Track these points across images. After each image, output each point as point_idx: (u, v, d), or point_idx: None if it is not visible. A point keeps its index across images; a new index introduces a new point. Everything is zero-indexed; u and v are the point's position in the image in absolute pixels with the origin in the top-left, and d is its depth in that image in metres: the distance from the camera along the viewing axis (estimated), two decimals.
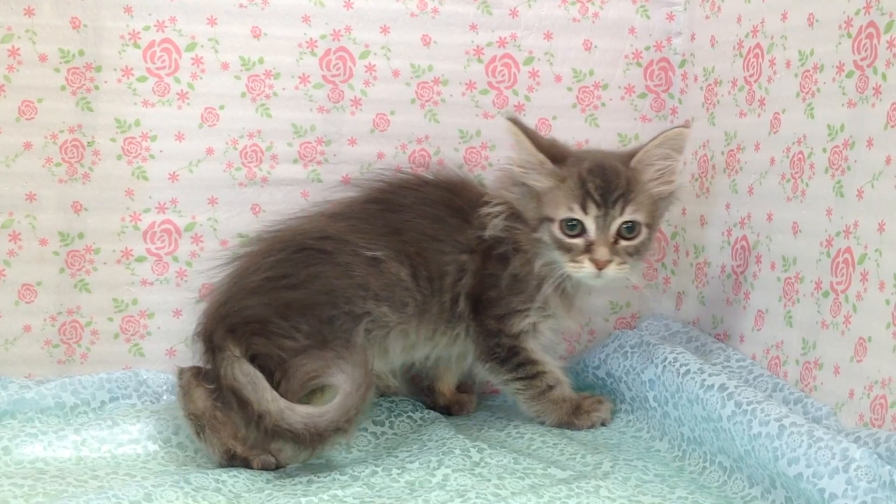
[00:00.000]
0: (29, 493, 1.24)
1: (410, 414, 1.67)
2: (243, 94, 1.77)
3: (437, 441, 1.51)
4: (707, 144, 1.78)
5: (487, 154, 1.85)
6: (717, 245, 1.73)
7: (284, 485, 1.38)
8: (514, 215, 1.56)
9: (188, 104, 1.76)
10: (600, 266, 1.49)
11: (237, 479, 1.37)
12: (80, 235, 1.74)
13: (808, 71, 1.49)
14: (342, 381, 1.40)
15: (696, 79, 1.83)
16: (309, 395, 1.45)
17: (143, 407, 1.63)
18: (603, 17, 1.85)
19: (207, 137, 1.77)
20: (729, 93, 1.71)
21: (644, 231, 1.52)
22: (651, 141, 1.55)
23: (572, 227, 1.50)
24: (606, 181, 1.50)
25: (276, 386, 1.43)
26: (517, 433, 1.60)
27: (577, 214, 1.49)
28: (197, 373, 1.49)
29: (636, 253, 1.53)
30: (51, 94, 1.71)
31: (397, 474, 1.40)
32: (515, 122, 1.54)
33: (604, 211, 1.49)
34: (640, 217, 1.51)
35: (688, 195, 1.83)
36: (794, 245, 1.51)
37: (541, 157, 1.52)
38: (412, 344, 1.59)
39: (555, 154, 1.54)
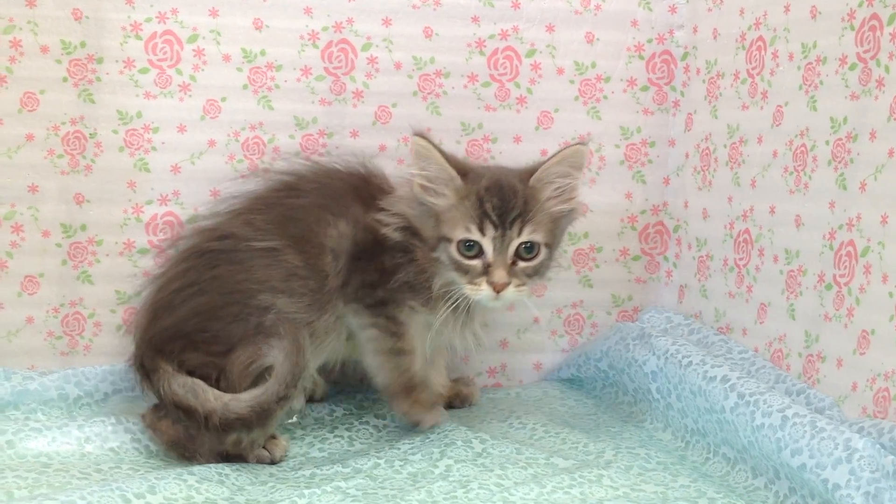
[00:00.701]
0: (33, 486, 1.24)
1: None
2: (245, 86, 1.77)
3: (438, 433, 1.51)
4: (709, 137, 1.78)
5: (489, 147, 1.85)
6: (719, 238, 1.73)
7: (287, 478, 1.38)
8: (411, 230, 1.50)
9: (190, 96, 1.76)
10: (498, 289, 1.43)
11: (240, 473, 1.37)
12: (83, 227, 1.74)
13: (811, 63, 1.49)
14: (277, 356, 1.40)
15: (698, 71, 1.82)
16: (254, 382, 1.43)
17: (145, 400, 1.62)
18: (605, 9, 1.85)
19: (209, 129, 1.77)
20: (731, 85, 1.71)
21: (543, 251, 1.47)
22: (550, 158, 1.49)
23: (469, 247, 1.45)
24: (503, 200, 1.44)
25: (220, 388, 1.42)
26: (519, 424, 1.60)
27: (475, 235, 1.44)
28: (156, 408, 1.47)
29: (535, 274, 1.48)
30: (53, 85, 1.71)
31: (400, 466, 1.40)
32: (425, 137, 1.47)
33: (501, 232, 1.44)
34: (538, 237, 1.46)
35: (689, 189, 1.84)
36: (797, 238, 1.51)
37: (452, 172, 1.46)
38: (324, 338, 1.52)
39: (461, 170, 1.48)
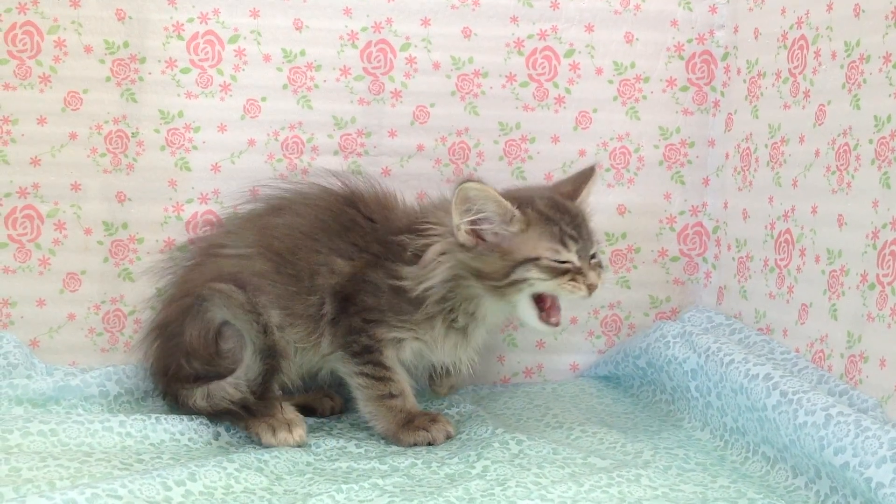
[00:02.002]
0: (75, 475, 1.25)
1: (447, 411, 1.68)
2: (285, 86, 1.79)
3: (476, 438, 1.51)
4: (750, 137, 1.76)
5: (527, 147, 1.85)
6: (759, 239, 1.72)
7: (325, 469, 1.38)
8: (467, 271, 1.52)
9: (231, 96, 1.77)
10: (592, 290, 1.51)
11: (279, 460, 1.38)
12: (124, 225, 1.76)
13: (854, 62, 1.47)
14: (217, 310, 1.51)
15: (739, 71, 1.81)
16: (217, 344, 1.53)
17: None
18: (645, 9, 1.85)
19: (249, 129, 1.78)
20: (773, 85, 1.69)
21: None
22: (585, 187, 1.59)
23: (559, 261, 1.50)
24: (573, 218, 1.53)
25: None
26: (556, 423, 1.60)
27: (563, 255, 1.50)
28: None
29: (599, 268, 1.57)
30: (96, 85, 1.73)
31: (437, 467, 1.40)
32: (477, 180, 1.50)
33: (583, 244, 1.52)
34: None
35: (729, 189, 1.82)
36: (840, 237, 1.49)
37: (508, 205, 1.49)
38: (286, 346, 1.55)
39: (512, 200, 1.51)
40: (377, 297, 1.55)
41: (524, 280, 1.50)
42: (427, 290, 1.53)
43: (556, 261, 1.50)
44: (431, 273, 1.53)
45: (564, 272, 1.49)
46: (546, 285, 1.50)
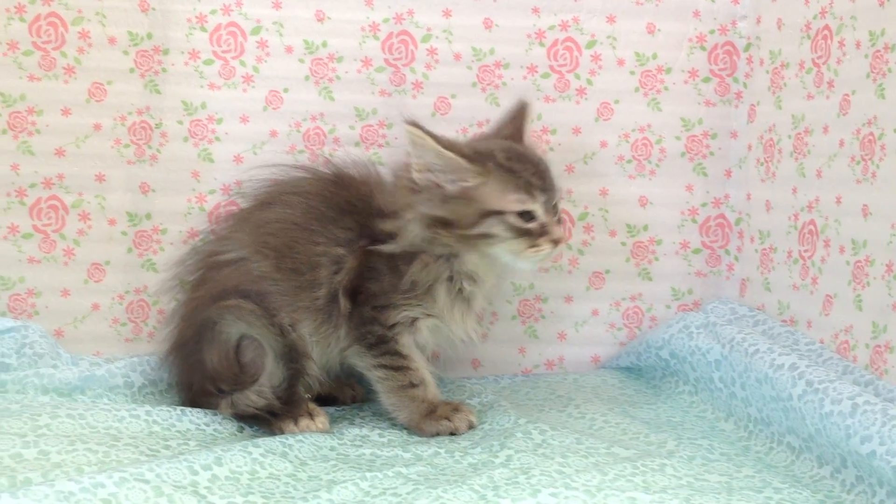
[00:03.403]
0: (103, 460, 1.26)
1: (468, 401, 1.67)
2: (307, 78, 1.79)
3: (498, 428, 1.51)
4: (773, 128, 1.75)
5: (549, 138, 1.85)
6: (783, 230, 1.71)
7: (348, 456, 1.39)
8: (435, 221, 1.51)
9: (253, 87, 1.78)
10: (559, 243, 1.50)
11: (303, 444, 1.39)
12: (148, 216, 1.77)
13: (879, 51, 1.46)
14: (233, 325, 1.49)
15: (761, 62, 1.80)
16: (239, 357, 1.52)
17: None
18: (667, 0, 1.84)
19: (271, 120, 1.79)
20: (796, 75, 1.69)
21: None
22: (524, 125, 1.60)
23: (524, 215, 1.49)
24: (535, 166, 1.51)
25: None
26: (578, 413, 1.59)
27: (528, 205, 1.49)
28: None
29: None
30: (120, 76, 1.74)
31: (460, 456, 1.40)
32: (417, 125, 1.49)
33: (549, 195, 1.51)
34: None
35: (752, 181, 1.81)
36: (865, 228, 1.48)
37: (452, 155, 1.48)
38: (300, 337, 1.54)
39: (465, 151, 1.50)
40: (380, 281, 1.54)
41: (492, 236, 1.49)
42: (407, 247, 1.52)
43: (522, 214, 1.48)
44: (406, 231, 1.52)
45: (528, 232, 1.48)
46: (510, 247, 1.49)
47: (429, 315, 1.56)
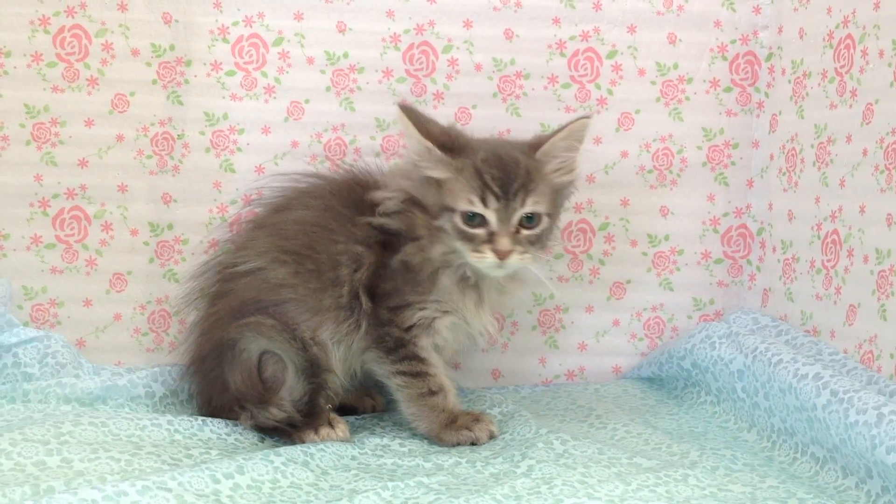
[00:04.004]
0: (125, 469, 1.27)
1: (489, 410, 1.67)
2: (328, 88, 1.80)
3: (519, 438, 1.51)
4: (795, 138, 1.75)
5: None
6: (805, 240, 1.70)
7: (370, 465, 1.39)
8: (411, 201, 1.52)
9: (274, 98, 1.79)
10: (501, 256, 1.46)
11: (324, 454, 1.39)
12: (170, 226, 1.78)
13: None
14: (253, 341, 1.49)
15: (783, 72, 1.80)
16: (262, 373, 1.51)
17: None
18: (688, 10, 1.84)
19: (293, 131, 1.80)
20: (819, 85, 1.68)
21: (545, 220, 1.51)
22: (557, 133, 1.52)
23: (472, 218, 1.47)
24: (505, 173, 1.47)
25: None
26: (600, 424, 1.59)
27: (478, 208, 1.46)
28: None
29: (537, 242, 1.50)
30: (142, 87, 1.75)
31: (481, 466, 1.39)
32: (404, 108, 1.51)
33: (504, 203, 1.46)
34: (540, 207, 1.49)
35: (774, 191, 1.81)
36: (889, 237, 1.47)
37: (428, 144, 1.48)
38: (319, 342, 1.53)
39: (446, 142, 1.50)
40: (393, 279, 1.53)
41: (445, 231, 1.49)
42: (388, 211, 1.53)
43: (470, 217, 1.47)
44: (388, 201, 1.53)
45: (473, 237, 1.46)
46: (459, 246, 1.48)
47: (445, 312, 1.55)
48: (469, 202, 1.47)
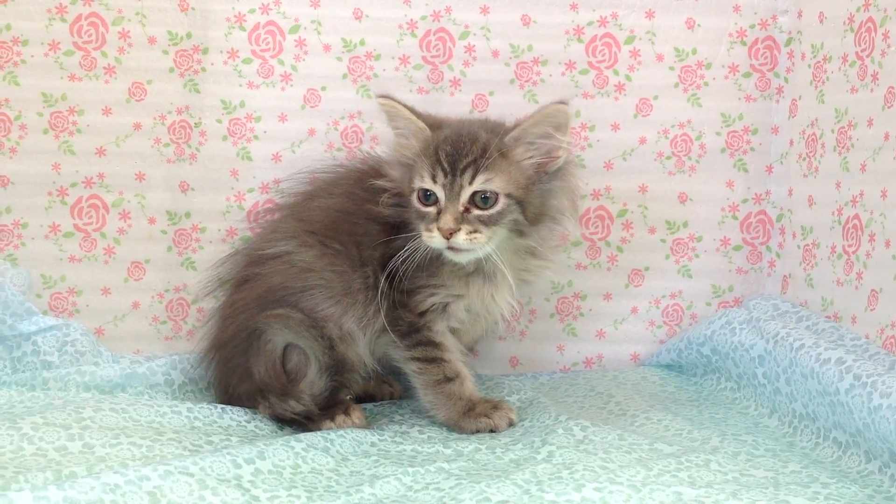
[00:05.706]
0: (146, 455, 1.27)
1: (507, 398, 1.66)
2: (345, 76, 1.79)
3: (539, 424, 1.50)
4: (815, 123, 1.73)
5: (587, 135, 1.84)
6: (826, 225, 1.69)
7: (389, 451, 1.39)
8: (401, 193, 1.53)
9: (291, 85, 1.79)
10: (445, 234, 1.42)
11: (344, 440, 1.39)
12: (187, 214, 1.78)
13: None
14: (279, 334, 1.49)
15: (803, 56, 1.78)
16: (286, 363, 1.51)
17: None
18: None
19: (310, 118, 1.79)
20: (839, 69, 1.66)
21: (503, 201, 1.44)
22: (528, 119, 1.47)
23: (427, 197, 1.46)
24: (457, 148, 1.44)
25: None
26: (619, 410, 1.58)
27: (427, 183, 1.45)
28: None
29: (493, 223, 1.44)
30: (160, 75, 1.75)
31: (501, 452, 1.39)
32: (388, 96, 1.52)
33: (451, 179, 1.43)
34: (494, 186, 1.43)
35: (794, 176, 1.79)
36: None
37: (420, 124, 1.49)
38: (348, 329, 1.53)
39: (432, 124, 1.51)
40: (405, 262, 1.50)
41: (411, 212, 1.49)
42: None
43: (424, 194, 1.46)
44: (387, 183, 1.54)
45: (425, 215, 1.45)
46: (418, 226, 1.47)
47: (457, 296, 1.54)
48: (421, 178, 1.46)
